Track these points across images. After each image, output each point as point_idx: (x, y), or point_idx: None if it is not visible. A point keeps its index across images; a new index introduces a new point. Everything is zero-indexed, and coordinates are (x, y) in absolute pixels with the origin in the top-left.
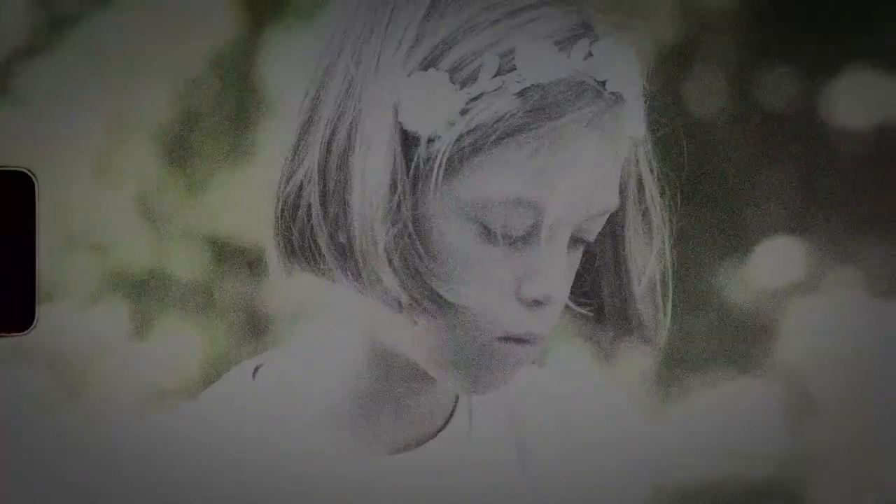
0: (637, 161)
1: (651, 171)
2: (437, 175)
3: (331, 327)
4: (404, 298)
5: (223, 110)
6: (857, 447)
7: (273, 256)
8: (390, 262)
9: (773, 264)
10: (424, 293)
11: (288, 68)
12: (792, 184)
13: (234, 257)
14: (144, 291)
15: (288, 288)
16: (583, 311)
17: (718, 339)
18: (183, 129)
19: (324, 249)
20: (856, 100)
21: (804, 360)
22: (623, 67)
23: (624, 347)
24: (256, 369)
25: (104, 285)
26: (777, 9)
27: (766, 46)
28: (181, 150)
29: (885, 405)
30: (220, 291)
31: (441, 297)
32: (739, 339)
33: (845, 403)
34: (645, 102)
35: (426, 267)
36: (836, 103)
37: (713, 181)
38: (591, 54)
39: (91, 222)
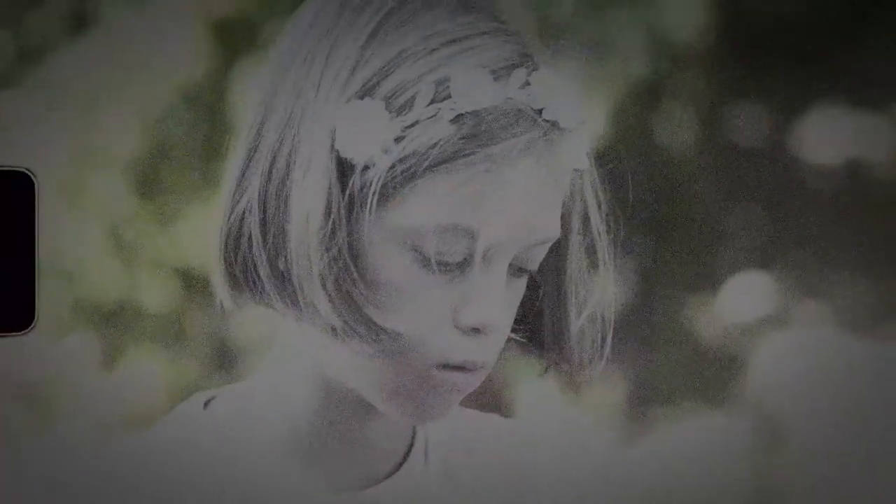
0: (583, 193)
1: (599, 205)
2: (372, 202)
3: (282, 360)
4: (338, 324)
5: (194, 142)
6: (824, 480)
7: (219, 286)
8: (324, 287)
9: (743, 299)
10: (358, 319)
11: (242, 101)
12: (761, 219)
13: (203, 288)
14: (114, 321)
15: (247, 320)
16: (518, 337)
17: (688, 373)
18: (154, 160)
19: (263, 277)
20: (824, 136)
21: (773, 394)
22: (562, 97)
23: (563, 376)
24: (208, 402)
25: (74, 315)
26: (747, 46)
27: (735, 83)
28: (152, 181)
29: (852, 438)
30: (189, 322)
31: (375, 323)
32: (709, 374)
33: (814, 437)
34: (588, 133)
35: (360, 293)
36: (805, 139)
37: (683, 216)
38: (528, 83)
39: (61, 252)
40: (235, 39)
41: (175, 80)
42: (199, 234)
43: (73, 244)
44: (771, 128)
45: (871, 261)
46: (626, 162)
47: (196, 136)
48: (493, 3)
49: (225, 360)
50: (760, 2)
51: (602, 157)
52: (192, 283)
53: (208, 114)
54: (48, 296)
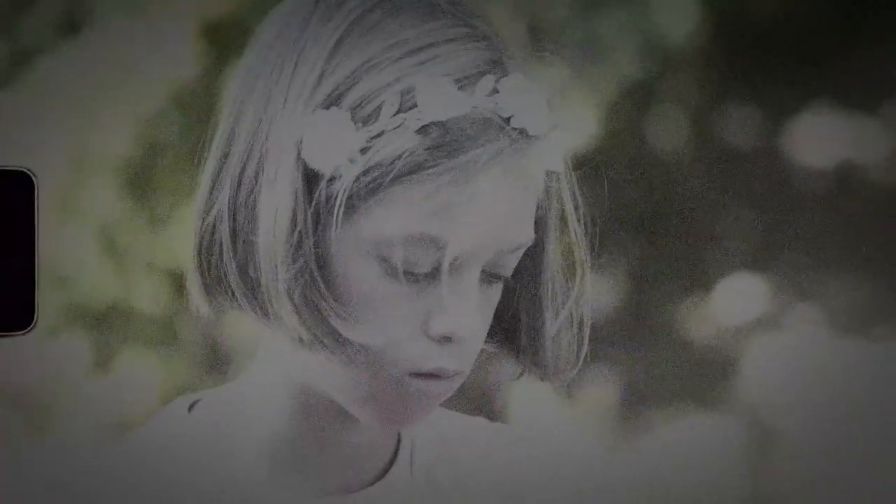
0: (559, 196)
1: (576, 207)
2: (338, 213)
3: (266, 364)
4: (305, 336)
5: (186, 144)
6: (818, 481)
7: (193, 293)
8: (291, 299)
9: (735, 301)
10: (325, 331)
11: (220, 105)
12: (753, 221)
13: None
14: (106, 324)
15: (241, 322)
16: (491, 348)
17: (680, 375)
18: (146, 162)
19: (233, 285)
20: (816, 139)
21: (765, 397)
22: (531, 102)
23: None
24: (193, 404)
25: (66, 318)
26: (739, 48)
27: (728, 85)
28: (144, 183)
29: (845, 441)
30: (182, 325)
31: (341, 335)
32: (701, 376)
33: (806, 439)
34: (563, 136)
35: (327, 305)
36: (798, 141)
37: (675, 218)
38: (496, 90)
39: (53, 255)
40: (229, 42)
41: (168, 83)
42: (190, 237)
43: (66, 247)
44: (763, 129)
45: (864, 262)
46: (603, 163)
47: (190, 139)
48: (464, 7)
49: (218, 362)
50: (753, 4)
51: (579, 159)
52: (185, 286)
53: (201, 116)
54: (45, 297)
